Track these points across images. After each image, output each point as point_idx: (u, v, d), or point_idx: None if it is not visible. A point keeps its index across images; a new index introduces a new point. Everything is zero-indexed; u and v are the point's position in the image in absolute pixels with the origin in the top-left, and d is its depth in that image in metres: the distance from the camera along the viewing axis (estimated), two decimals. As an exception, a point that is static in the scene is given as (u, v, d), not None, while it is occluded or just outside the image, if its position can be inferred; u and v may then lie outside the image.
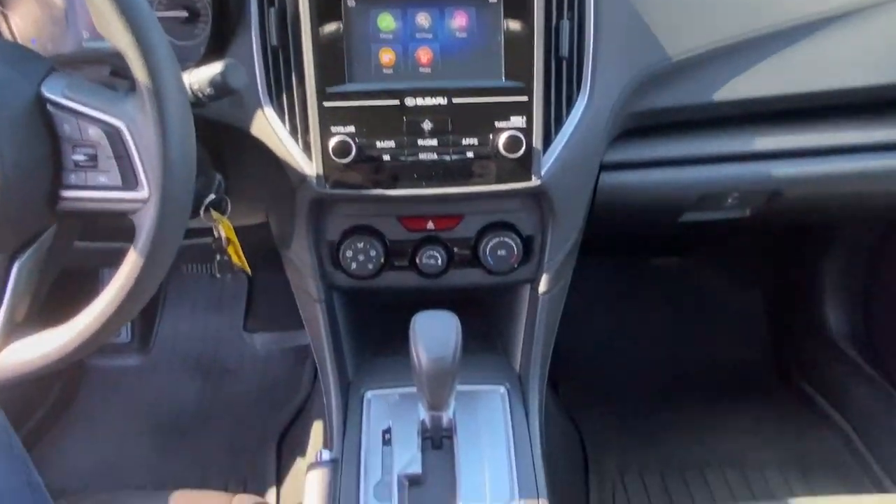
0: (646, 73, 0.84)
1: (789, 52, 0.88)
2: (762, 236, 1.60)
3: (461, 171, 0.80)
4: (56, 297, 0.73)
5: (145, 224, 0.60)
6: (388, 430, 0.86)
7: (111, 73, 0.79)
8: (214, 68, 0.68)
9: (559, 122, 0.81)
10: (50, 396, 1.46)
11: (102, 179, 0.61)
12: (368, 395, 0.91)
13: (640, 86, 0.85)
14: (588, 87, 0.81)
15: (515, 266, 0.88)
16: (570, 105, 0.81)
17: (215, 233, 0.85)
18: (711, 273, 1.67)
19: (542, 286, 0.89)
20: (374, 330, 1.06)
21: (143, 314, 1.60)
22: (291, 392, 1.49)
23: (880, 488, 1.24)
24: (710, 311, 1.64)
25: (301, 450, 1.34)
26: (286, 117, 0.80)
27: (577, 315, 0.93)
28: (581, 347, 1.46)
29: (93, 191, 0.62)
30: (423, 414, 0.85)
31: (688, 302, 1.65)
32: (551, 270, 0.89)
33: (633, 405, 1.46)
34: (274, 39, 0.77)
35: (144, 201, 0.60)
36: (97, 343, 0.64)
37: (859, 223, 1.40)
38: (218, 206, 0.83)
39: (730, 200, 0.97)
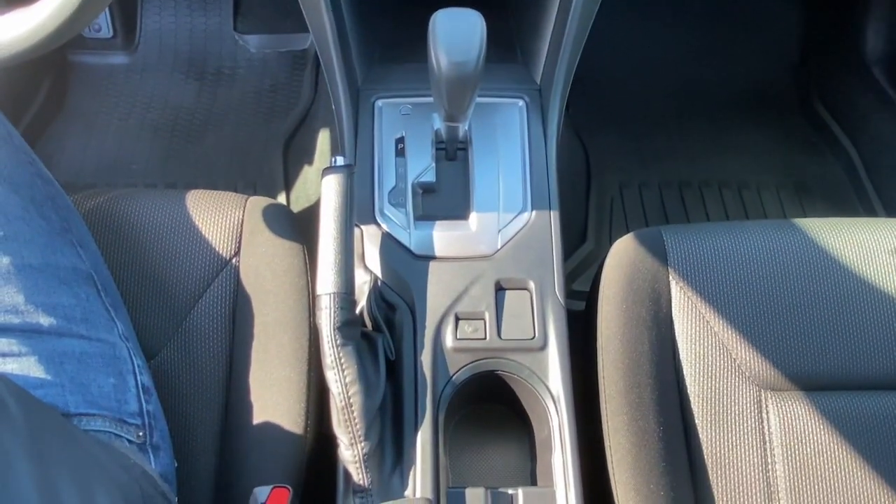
0: None
1: None
2: None
3: None
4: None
5: None
6: (401, 140, 0.83)
7: None
8: None
9: None
10: (40, 94, 1.41)
11: None
12: (379, 103, 0.86)
13: None
14: None
15: None
16: None
17: None
18: None
19: None
20: (382, 33, 0.97)
21: (123, 7, 1.47)
22: (292, 99, 1.44)
23: (872, 215, 1.29)
24: (740, 30, 1.52)
25: (308, 157, 1.34)
26: None
27: (594, 28, 0.84)
28: (595, 65, 1.38)
29: None
30: (438, 124, 0.82)
31: (719, 19, 1.52)
32: None
33: (643, 126, 1.44)
34: None
35: None
36: (75, 26, 0.57)
37: None
38: None
39: None
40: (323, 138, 1.33)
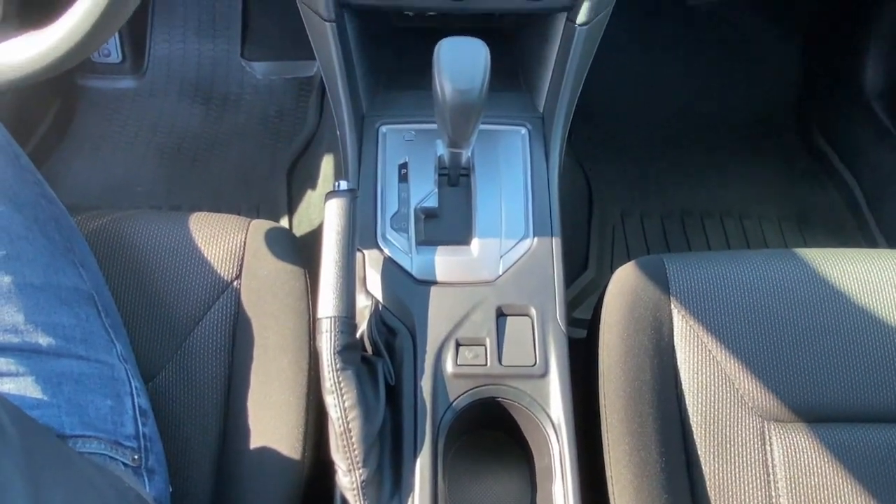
0: None
1: None
2: None
3: None
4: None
5: None
6: (404, 165, 0.84)
7: None
8: None
9: None
10: (48, 116, 1.42)
11: None
12: (383, 129, 0.87)
13: None
14: None
15: None
16: None
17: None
18: (754, 17, 1.53)
19: (582, 16, 0.79)
20: (388, 60, 0.99)
21: (132, 32, 1.50)
22: (297, 125, 1.46)
23: (873, 247, 1.30)
24: (741, 61, 1.54)
25: (311, 182, 1.35)
26: None
27: (597, 58, 0.85)
28: (598, 94, 1.40)
29: None
30: (442, 150, 0.83)
31: (720, 50, 1.55)
32: None
33: (644, 157, 1.45)
34: None
35: None
36: (86, 49, 0.58)
37: None
38: None
39: None
40: (327, 163, 1.34)
